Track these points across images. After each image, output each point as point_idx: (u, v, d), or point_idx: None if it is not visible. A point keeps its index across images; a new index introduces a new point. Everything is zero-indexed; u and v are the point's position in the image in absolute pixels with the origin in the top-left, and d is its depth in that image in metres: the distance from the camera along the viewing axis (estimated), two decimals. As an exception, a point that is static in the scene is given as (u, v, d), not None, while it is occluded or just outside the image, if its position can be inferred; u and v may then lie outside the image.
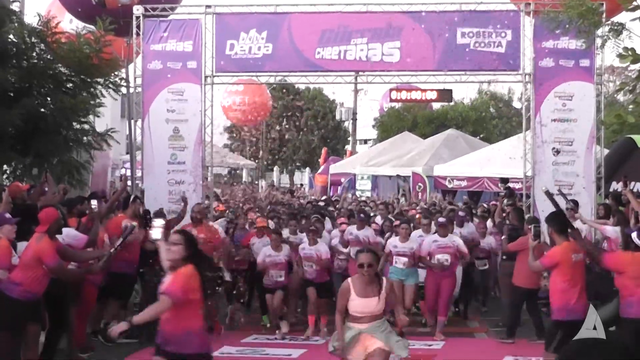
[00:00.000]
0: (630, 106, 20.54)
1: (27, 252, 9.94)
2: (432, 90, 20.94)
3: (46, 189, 13.51)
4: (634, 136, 20.20)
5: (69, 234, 11.25)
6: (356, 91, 53.50)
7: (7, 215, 10.81)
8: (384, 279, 8.65)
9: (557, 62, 17.12)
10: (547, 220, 10.68)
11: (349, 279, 8.64)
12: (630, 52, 11.69)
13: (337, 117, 57.68)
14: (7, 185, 13.86)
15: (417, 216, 17.23)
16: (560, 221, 10.48)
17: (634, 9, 11.88)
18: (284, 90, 53.55)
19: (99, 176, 21.07)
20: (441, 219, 14.72)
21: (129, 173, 18.46)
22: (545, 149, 17.15)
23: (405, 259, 14.13)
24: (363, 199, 28.28)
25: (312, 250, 14.07)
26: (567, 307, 9.90)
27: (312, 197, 31.09)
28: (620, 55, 11.81)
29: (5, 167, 17.43)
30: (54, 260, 9.94)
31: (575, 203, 15.31)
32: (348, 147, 56.24)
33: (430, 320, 14.23)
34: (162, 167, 17.44)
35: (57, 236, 10.71)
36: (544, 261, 10.39)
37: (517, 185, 19.38)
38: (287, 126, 56.66)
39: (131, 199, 13.76)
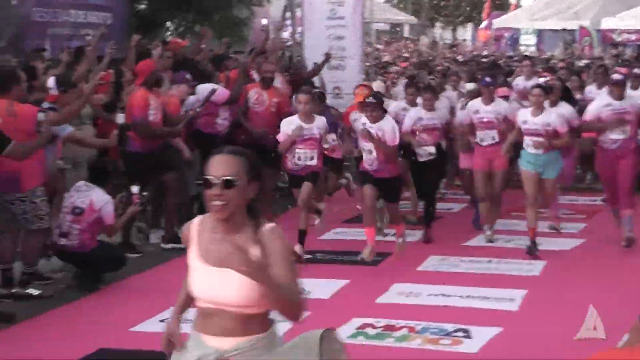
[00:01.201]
0: None
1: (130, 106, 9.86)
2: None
3: (203, 45, 13.56)
4: None
5: (207, 89, 11.04)
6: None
7: (188, 75, 10.82)
8: (268, 227, 3.61)
9: None
10: None
11: (198, 218, 3.81)
12: None
13: (502, -32, 55.69)
14: (169, 42, 14.14)
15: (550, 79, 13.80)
16: None
17: None
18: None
19: (259, 33, 21.19)
20: (616, 76, 10.75)
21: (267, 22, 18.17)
22: None
23: (540, 139, 9.80)
24: (527, 54, 27.31)
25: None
26: None
27: (475, 53, 30.45)
28: None
29: (168, 23, 17.76)
30: (139, 114, 9.69)
31: None
32: (513, 1, 54.49)
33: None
34: (321, 22, 17.27)
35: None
36: None
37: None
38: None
39: None
